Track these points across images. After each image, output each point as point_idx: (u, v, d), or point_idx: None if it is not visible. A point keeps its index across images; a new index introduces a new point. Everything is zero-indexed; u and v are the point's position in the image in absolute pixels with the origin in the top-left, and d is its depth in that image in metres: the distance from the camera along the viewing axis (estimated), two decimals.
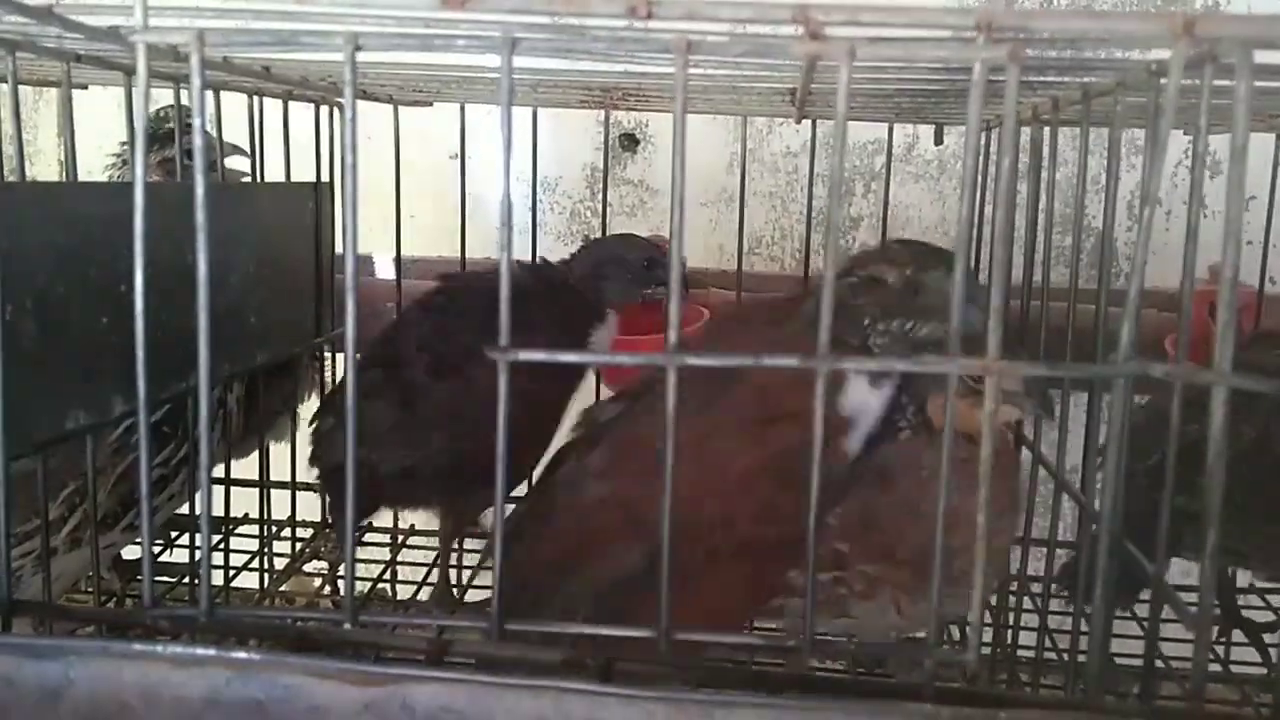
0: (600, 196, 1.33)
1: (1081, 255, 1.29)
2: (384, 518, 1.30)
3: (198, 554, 1.11)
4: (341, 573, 1.18)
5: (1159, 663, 0.84)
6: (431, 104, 1.16)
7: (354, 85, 0.49)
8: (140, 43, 0.49)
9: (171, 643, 0.52)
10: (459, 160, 1.22)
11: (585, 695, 0.50)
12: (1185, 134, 1.10)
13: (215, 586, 1.12)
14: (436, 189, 1.27)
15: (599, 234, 1.24)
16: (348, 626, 0.52)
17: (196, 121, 0.50)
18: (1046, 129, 0.78)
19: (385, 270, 1.34)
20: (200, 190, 0.50)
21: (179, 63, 0.88)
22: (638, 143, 1.74)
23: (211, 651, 0.51)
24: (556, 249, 1.78)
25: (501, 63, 0.48)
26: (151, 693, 0.52)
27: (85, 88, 1.21)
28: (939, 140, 1.20)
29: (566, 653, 0.53)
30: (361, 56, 0.76)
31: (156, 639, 0.53)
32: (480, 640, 0.53)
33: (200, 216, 0.50)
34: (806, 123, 1.20)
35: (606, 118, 1.14)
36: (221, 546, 1.14)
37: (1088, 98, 0.68)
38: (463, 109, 1.13)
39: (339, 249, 1.17)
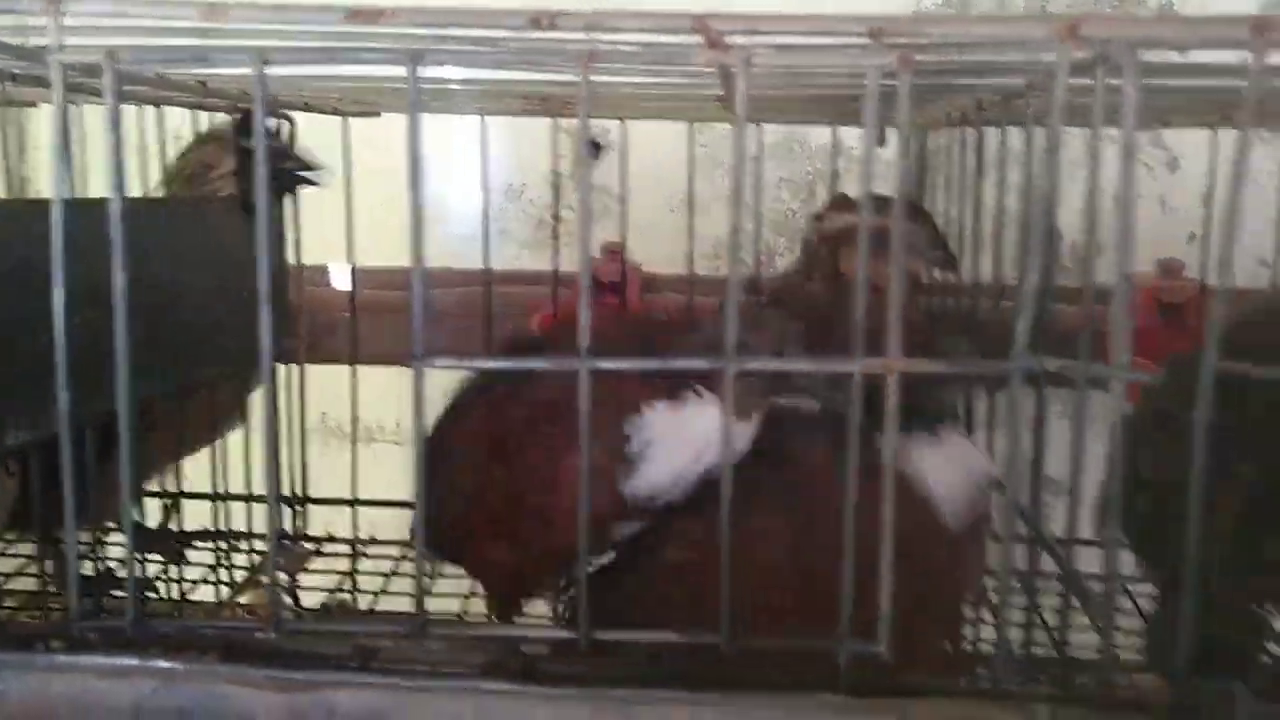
0: (566, 203, 1.34)
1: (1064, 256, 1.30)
2: (343, 527, 1.30)
3: (151, 568, 1.12)
4: (301, 584, 1.19)
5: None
6: (379, 114, 1.16)
7: (264, 101, 0.50)
8: (55, 62, 0.50)
9: (97, 654, 0.53)
10: (419, 169, 1.22)
11: (506, 696, 0.51)
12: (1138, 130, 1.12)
13: (172, 600, 1.13)
14: (403, 199, 1.28)
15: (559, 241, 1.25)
16: (274, 635, 0.53)
17: (110, 138, 0.51)
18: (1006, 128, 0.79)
19: (341, 280, 1.33)
20: (116, 208, 0.51)
21: (136, 85, 0.88)
22: (600, 148, 1.75)
23: (135, 661, 0.52)
24: (522, 258, 1.79)
25: (408, 74, 0.49)
26: (80, 703, 0.52)
27: (34, 105, 1.21)
28: (881, 142, 1.21)
29: (489, 654, 0.54)
30: (298, 70, 0.76)
31: (85, 651, 0.54)
32: (405, 645, 0.54)
33: (116, 234, 0.51)
34: (767, 126, 1.23)
35: (554, 125, 1.15)
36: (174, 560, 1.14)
37: (1005, 100, 0.69)
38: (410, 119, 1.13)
39: (293, 261, 1.18)
